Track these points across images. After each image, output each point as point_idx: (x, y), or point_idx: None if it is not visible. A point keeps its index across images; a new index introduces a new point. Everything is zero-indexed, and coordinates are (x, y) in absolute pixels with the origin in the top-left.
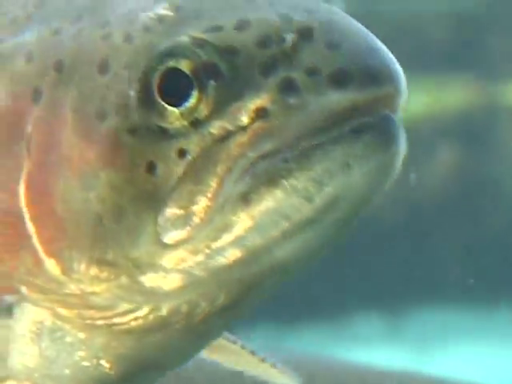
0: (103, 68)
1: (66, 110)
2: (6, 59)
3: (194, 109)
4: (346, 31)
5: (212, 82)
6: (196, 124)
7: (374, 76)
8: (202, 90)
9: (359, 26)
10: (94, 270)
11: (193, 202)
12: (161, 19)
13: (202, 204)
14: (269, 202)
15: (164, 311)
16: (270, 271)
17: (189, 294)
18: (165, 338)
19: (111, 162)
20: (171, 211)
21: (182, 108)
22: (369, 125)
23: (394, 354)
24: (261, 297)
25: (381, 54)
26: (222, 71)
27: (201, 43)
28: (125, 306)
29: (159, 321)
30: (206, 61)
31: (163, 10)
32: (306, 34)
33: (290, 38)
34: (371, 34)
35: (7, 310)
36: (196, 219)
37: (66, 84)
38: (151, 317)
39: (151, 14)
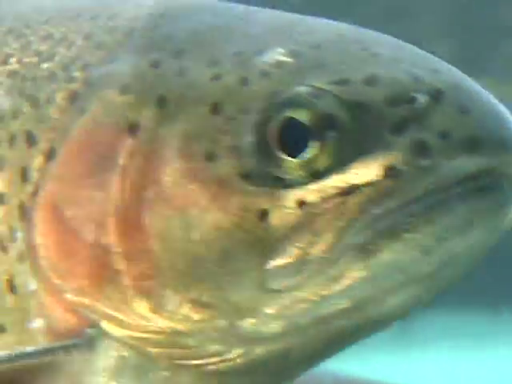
0: (215, 109)
1: (169, 148)
2: (97, 87)
3: (313, 160)
4: (473, 95)
5: (332, 134)
6: (315, 175)
7: (504, 143)
8: (322, 141)
9: (481, 88)
10: (187, 310)
11: (307, 252)
12: (279, 65)
13: (317, 254)
14: (387, 254)
15: (256, 355)
16: (371, 322)
17: (285, 340)
18: (251, 381)
19: (221, 205)
20: (282, 259)
21: (301, 159)
22: (493, 185)
23: (398, 358)
24: (353, 343)
25: (507, 120)
26: (344, 123)
27: (321, 94)
28: (216, 348)
29: (249, 364)
30: (326, 112)
31: (281, 56)
32: (436, 96)
33: (421, 98)
34: (493, 97)
35: (88, 343)
36: (308, 269)
37: (169, 121)
38: (241, 360)
39: (269, 59)
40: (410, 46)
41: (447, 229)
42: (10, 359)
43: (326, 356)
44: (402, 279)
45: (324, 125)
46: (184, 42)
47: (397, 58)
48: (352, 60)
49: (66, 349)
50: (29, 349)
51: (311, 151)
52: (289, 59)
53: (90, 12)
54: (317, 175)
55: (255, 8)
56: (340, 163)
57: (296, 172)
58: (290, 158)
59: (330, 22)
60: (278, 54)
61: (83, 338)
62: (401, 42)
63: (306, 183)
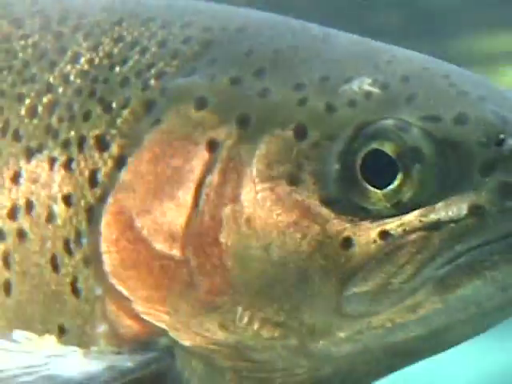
0: (300, 133)
1: (251, 168)
2: (174, 99)
3: (398, 191)
4: None
5: (418, 166)
6: (398, 206)
7: None
8: (407, 172)
9: None
10: (258, 328)
11: (387, 282)
12: (368, 95)
13: (396, 285)
14: (466, 289)
15: (323, 372)
16: (438, 347)
17: (354, 360)
18: None
19: (303, 230)
20: (362, 286)
21: (386, 190)
22: None
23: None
24: (416, 362)
25: None
26: (430, 158)
27: (408, 128)
28: (284, 364)
29: (315, 380)
30: (412, 145)
31: (369, 87)
32: None
33: (509, 141)
34: None
35: (165, 353)
36: (386, 298)
37: (250, 140)
38: (308, 376)
39: (357, 88)
40: (487, 82)
41: None
42: (114, 379)
43: (389, 372)
44: (475, 311)
45: (410, 157)
46: (265, 61)
47: (482, 97)
48: (441, 96)
49: (152, 363)
50: (125, 366)
51: (396, 182)
52: (377, 90)
53: (161, 18)
54: (400, 207)
55: (331, 30)
56: (424, 197)
57: (380, 202)
58: (374, 189)
59: (410, 51)
60: (366, 84)
61: (159, 349)
62: (480, 77)
63: (389, 214)
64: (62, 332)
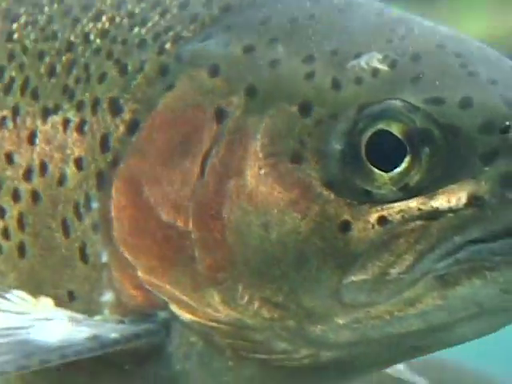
0: (305, 110)
1: (255, 142)
2: (188, 65)
3: (405, 174)
4: None
5: (427, 149)
6: (405, 191)
7: None
8: (416, 155)
9: None
10: (258, 307)
11: (385, 271)
12: (375, 73)
13: (395, 275)
14: (465, 288)
15: (323, 359)
16: (441, 343)
17: (354, 349)
18: (315, 380)
19: (302, 210)
20: (360, 275)
21: (392, 173)
22: None
23: None
24: (420, 356)
25: None
26: (438, 141)
27: (414, 110)
28: (283, 346)
29: (315, 366)
30: (421, 126)
31: (377, 63)
32: None
33: None
34: None
35: (161, 328)
36: (385, 288)
37: (257, 113)
38: (308, 361)
39: (365, 65)
40: (506, 63)
41: None
42: (93, 349)
43: (392, 363)
44: (477, 311)
45: (417, 138)
46: (280, 30)
47: (494, 80)
48: (449, 78)
49: (142, 335)
50: (109, 337)
51: (404, 165)
52: (385, 67)
53: None
54: (407, 191)
55: None
56: (430, 183)
57: (385, 186)
58: (381, 172)
59: (431, 24)
60: (376, 61)
61: (155, 322)
62: (500, 57)
63: (394, 199)
64: (71, 298)
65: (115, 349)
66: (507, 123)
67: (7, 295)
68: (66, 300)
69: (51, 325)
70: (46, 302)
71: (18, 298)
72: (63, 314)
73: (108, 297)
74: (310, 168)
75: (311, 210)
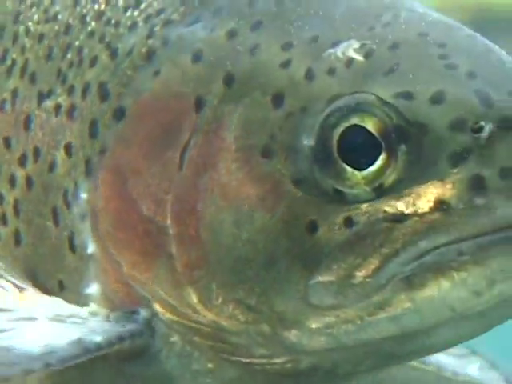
0: (277, 101)
1: (229, 133)
2: (174, 50)
3: (380, 174)
4: None
5: (403, 147)
6: (379, 191)
7: None
8: (391, 153)
9: None
10: (232, 309)
11: (351, 274)
12: (348, 63)
13: (360, 278)
14: (433, 290)
15: (303, 365)
16: (423, 349)
17: (332, 356)
18: None
19: (269, 207)
20: (325, 276)
21: (366, 171)
22: None
23: None
24: (406, 361)
25: None
26: (412, 137)
27: (386, 103)
28: (261, 351)
29: (297, 372)
30: (396, 123)
31: (353, 53)
32: (505, 126)
33: (487, 127)
34: None
35: (144, 326)
36: (352, 291)
37: (233, 103)
38: (289, 366)
39: (341, 54)
40: (497, 53)
41: (499, 271)
42: (77, 356)
43: (377, 369)
44: (451, 315)
45: (394, 136)
46: (264, 13)
47: (473, 73)
48: (424, 70)
49: (126, 338)
50: (93, 341)
51: (378, 163)
52: (360, 57)
53: None
54: (381, 192)
55: None
56: (404, 183)
57: (358, 186)
58: (352, 169)
59: (423, 11)
60: (351, 50)
61: (138, 321)
62: (491, 48)
63: (367, 199)
64: (61, 288)
65: (97, 355)
66: (481, 122)
67: None
68: (57, 290)
69: (34, 327)
70: (32, 294)
71: (2, 289)
72: (47, 309)
73: (94, 289)
74: (279, 163)
75: (279, 208)
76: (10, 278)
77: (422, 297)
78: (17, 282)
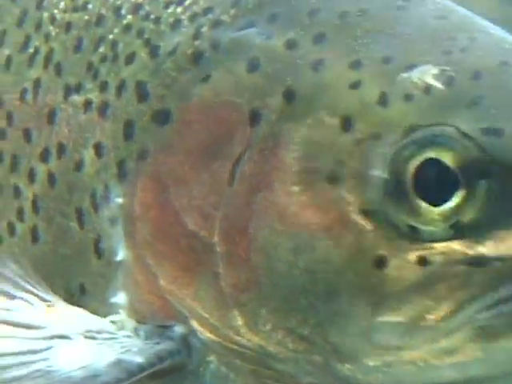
0: (346, 124)
1: (289, 153)
2: (225, 54)
3: (458, 211)
4: None
5: (484, 183)
6: (455, 229)
7: None
8: (470, 190)
9: None
10: (282, 336)
11: (421, 316)
12: (427, 90)
13: (431, 321)
14: (508, 341)
15: None
16: None
17: None
18: None
19: (333, 236)
20: (392, 316)
21: (443, 208)
22: None
23: None
24: None
25: None
26: (495, 176)
27: (471, 139)
28: (309, 380)
29: None
30: (478, 158)
31: (432, 79)
32: None
33: None
34: None
35: (180, 343)
36: (420, 333)
37: (293, 121)
38: None
39: (418, 80)
40: None
41: None
42: (121, 380)
43: None
44: None
45: (475, 172)
46: (327, 25)
47: None
48: (510, 105)
49: (164, 358)
50: (134, 362)
51: (456, 200)
52: (440, 85)
53: None
54: (457, 230)
55: None
56: (483, 223)
57: (434, 222)
58: (428, 206)
59: (496, 31)
60: (430, 76)
61: (173, 338)
62: None
63: (441, 237)
64: (82, 292)
65: (139, 377)
66: None
67: (16, 301)
68: (77, 293)
69: (67, 346)
70: (58, 306)
71: (28, 302)
72: (77, 325)
73: (121, 298)
74: (346, 191)
75: (344, 238)
76: (31, 288)
77: (494, 347)
78: (40, 294)
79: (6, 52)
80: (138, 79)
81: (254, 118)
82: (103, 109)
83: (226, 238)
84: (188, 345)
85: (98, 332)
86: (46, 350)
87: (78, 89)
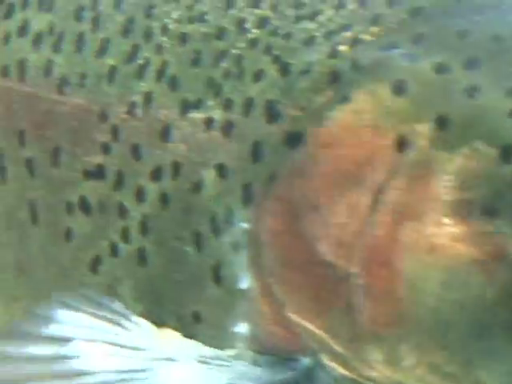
0: (506, 155)
1: (441, 183)
2: (367, 76)
3: None
4: None
5: None
6: None
7: None
8: None
9: None
10: (424, 373)
11: None
12: None
13: None
14: None
15: None
16: None
17: None
18: None
19: (489, 272)
20: None
21: None
22: None
23: None
24: None
25: None
26: None
27: None
28: None
29: None
30: None
31: None
32: None
33: None
34: None
35: (304, 375)
36: None
37: (447, 149)
38: None
39: None
40: None
41: None
42: None
43: None
44: None
45: None
46: (481, 49)
47: None
48: None
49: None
50: None
51: None
52: None
53: None
54: None
55: None
56: None
57: None
58: None
59: None
60: None
61: (297, 370)
62: None
63: None
64: (196, 320)
65: None
66: None
67: (127, 323)
68: (190, 321)
69: (171, 368)
70: (172, 335)
71: (139, 326)
72: (188, 350)
73: (243, 328)
74: (505, 226)
75: (502, 275)
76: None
77: None
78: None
79: (110, 62)
80: (267, 98)
81: (401, 144)
82: (227, 128)
83: (366, 270)
84: (311, 378)
85: (213, 358)
86: (147, 370)
87: (198, 105)
